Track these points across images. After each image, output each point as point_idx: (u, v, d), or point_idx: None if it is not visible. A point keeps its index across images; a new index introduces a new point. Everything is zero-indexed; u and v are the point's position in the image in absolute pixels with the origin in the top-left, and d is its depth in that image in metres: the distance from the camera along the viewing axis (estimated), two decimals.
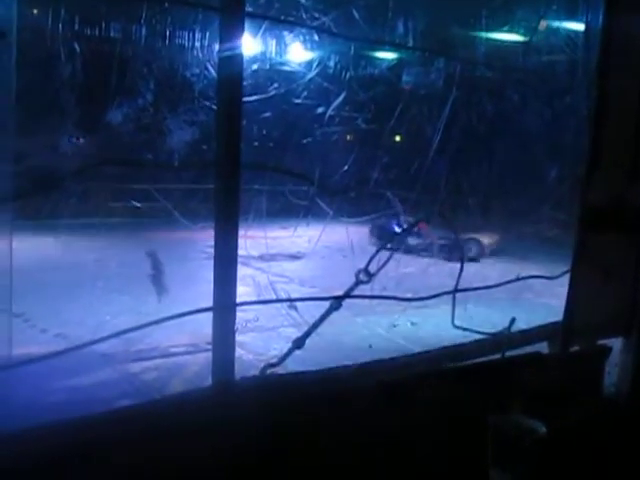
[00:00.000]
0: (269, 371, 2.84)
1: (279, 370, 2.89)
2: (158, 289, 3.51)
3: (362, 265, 3.10)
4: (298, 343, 2.89)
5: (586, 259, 3.56)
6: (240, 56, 2.48)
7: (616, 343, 3.92)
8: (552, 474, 2.99)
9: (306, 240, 7.99)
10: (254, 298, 4.59)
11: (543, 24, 5.46)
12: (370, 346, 4.20)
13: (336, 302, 2.93)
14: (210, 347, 3.38)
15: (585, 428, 3.40)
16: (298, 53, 6.41)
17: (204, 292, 2.67)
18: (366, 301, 3.57)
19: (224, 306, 2.52)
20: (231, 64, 2.46)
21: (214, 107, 2.55)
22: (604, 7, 3.41)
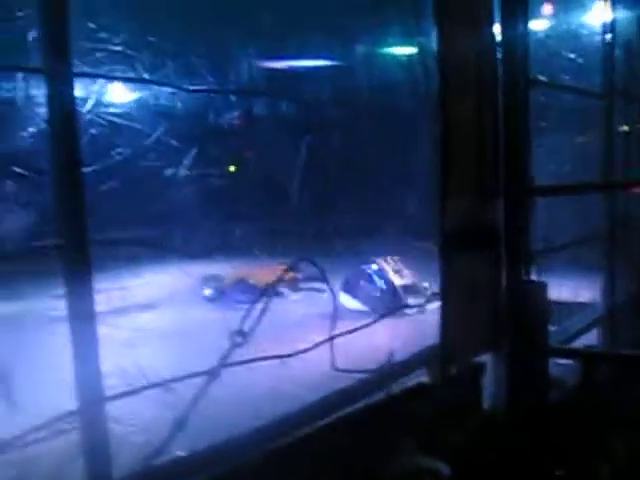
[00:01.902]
0: (150, 461, 2.54)
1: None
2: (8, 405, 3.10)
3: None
4: (179, 425, 2.61)
5: (452, 282, 3.60)
6: (74, 120, 2.19)
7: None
8: None
9: (157, 287, 7.55)
10: (112, 365, 4.19)
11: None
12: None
13: (213, 374, 2.69)
14: (71, 426, 2.98)
15: (473, 452, 3.42)
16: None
17: None
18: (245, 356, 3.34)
19: (90, 404, 2.20)
20: (64, 131, 2.17)
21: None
22: (437, 34, 3.48)
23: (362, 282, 6.59)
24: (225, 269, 7.32)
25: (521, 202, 4.00)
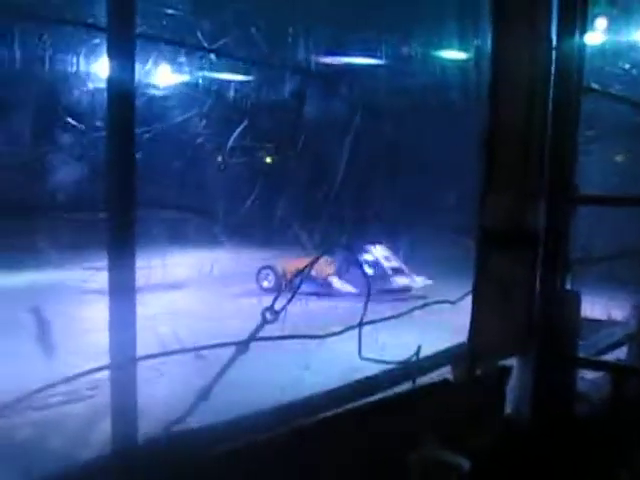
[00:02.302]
0: (174, 428, 2.56)
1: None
2: (45, 348, 3.14)
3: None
4: (203, 395, 2.63)
5: (486, 280, 3.57)
6: (132, 81, 2.22)
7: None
8: None
9: (196, 268, 7.58)
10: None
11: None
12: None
13: (242, 346, 2.71)
14: (92, 393, 2.99)
15: (493, 456, 3.39)
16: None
17: None
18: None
19: (123, 362, 2.23)
20: (122, 90, 2.20)
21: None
22: (492, 35, 3.45)
23: (352, 268, 7.64)
24: (267, 253, 7.39)
25: (563, 209, 3.95)
